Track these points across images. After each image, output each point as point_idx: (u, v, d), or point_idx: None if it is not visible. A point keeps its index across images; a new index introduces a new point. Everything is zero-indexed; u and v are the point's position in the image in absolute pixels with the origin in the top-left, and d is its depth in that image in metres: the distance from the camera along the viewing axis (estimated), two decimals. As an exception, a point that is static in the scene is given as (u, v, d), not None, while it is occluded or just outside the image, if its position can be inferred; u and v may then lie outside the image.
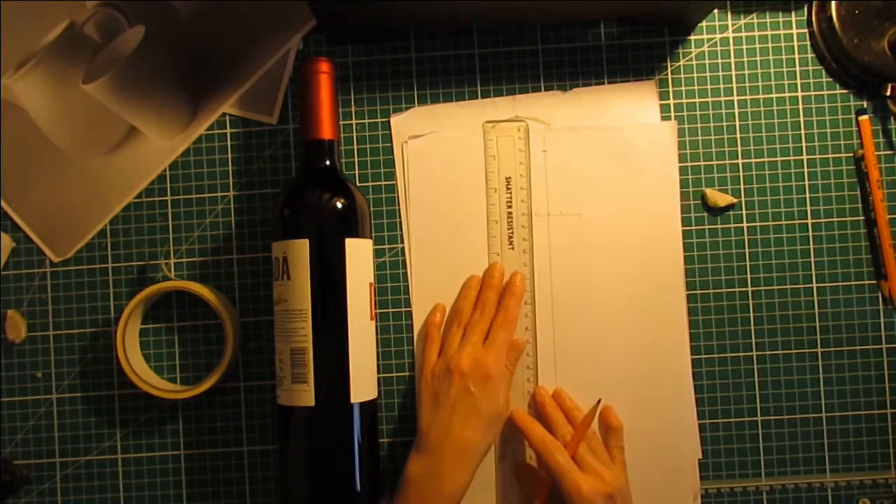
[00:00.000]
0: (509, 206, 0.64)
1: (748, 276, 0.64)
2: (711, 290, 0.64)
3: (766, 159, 0.65)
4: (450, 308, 0.64)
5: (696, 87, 0.65)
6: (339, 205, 0.58)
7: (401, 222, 0.65)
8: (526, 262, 0.64)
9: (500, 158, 0.65)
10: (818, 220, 0.65)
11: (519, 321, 0.63)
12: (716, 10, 0.65)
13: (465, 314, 0.62)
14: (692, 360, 0.64)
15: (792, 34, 0.65)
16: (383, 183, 0.65)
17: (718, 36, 0.65)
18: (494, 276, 0.63)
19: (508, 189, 0.64)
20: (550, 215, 0.64)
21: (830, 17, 0.63)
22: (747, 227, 0.65)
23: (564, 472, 0.56)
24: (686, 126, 0.65)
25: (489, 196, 0.65)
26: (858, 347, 0.64)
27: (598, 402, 0.61)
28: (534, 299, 0.64)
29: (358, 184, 0.65)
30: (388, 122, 0.65)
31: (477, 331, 0.61)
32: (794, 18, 0.65)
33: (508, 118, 0.65)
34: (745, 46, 0.65)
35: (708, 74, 0.65)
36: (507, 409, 0.61)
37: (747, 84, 0.65)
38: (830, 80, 0.65)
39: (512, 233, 0.64)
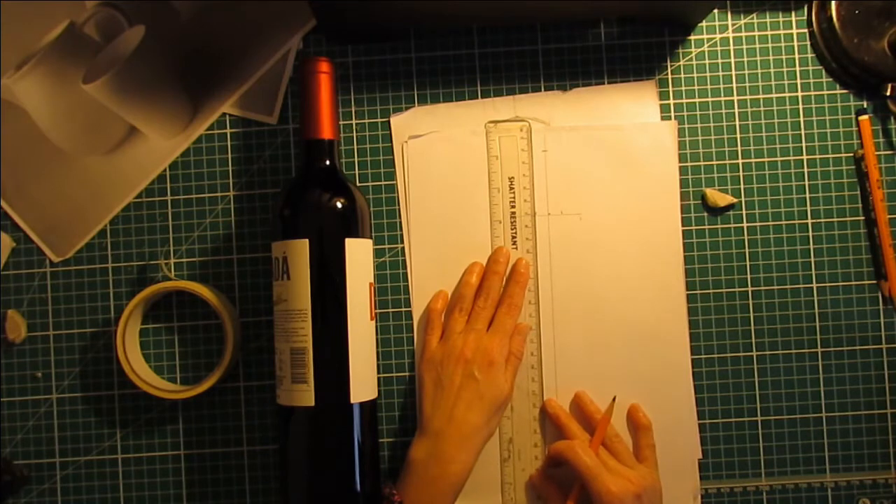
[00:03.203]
0: (512, 206, 0.64)
1: (748, 276, 0.64)
2: (711, 290, 0.64)
3: (766, 159, 0.65)
4: (451, 293, 0.64)
5: (696, 87, 0.65)
6: (339, 205, 0.58)
7: (401, 222, 0.65)
8: (529, 262, 0.64)
9: (503, 158, 0.65)
10: (818, 220, 0.65)
11: (522, 309, 0.63)
12: (716, 10, 0.65)
13: (467, 300, 0.62)
14: (692, 360, 0.64)
15: (792, 34, 0.65)
16: (383, 183, 0.65)
17: (718, 36, 0.65)
18: (499, 262, 0.63)
19: (511, 189, 0.64)
20: (551, 215, 0.64)
21: (830, 17, 0.63)
22: (747, 227, 0.65)
23: (594, 474, 0.57)
24: (686, 126, 0.65)
25: (492, 196, 0.64)
26: (858, 347, 0.64)
27: (613, 400, 0.61)
28: (537, 299, 0.64)
29: (358, 184, 0.65)
30: (388, 122, 0.65)
31: (481, 318, 0.62)
32: (794, 18, 0.65)
33: (509, 118, 0.65)
34: (745, 46, 0.65)
35: (708, 74, 0.65)
36: (511, 395, 0.61)
37: (747, 84, 0.65)
38: (830, 80, 0.65)
39: (515, 232, 0.64)
